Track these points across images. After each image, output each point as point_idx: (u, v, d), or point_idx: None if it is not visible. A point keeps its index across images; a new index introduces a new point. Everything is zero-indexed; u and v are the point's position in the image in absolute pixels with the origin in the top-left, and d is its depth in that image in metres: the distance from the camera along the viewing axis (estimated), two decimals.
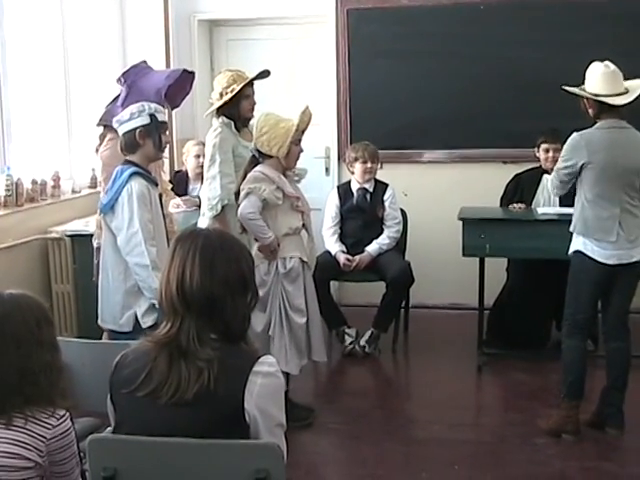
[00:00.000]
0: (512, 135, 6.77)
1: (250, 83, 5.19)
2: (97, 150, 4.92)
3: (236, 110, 5.15)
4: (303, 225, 4.83)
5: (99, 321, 4.30)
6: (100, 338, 4.63)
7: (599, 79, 4.46)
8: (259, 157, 4.71)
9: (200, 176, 6.53)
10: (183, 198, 6.33)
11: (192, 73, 5.15)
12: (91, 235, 5.48)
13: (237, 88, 5.08)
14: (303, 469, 4.30)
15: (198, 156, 6.46)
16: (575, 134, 4.51)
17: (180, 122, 7.07)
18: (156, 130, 4.13)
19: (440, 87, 6.93)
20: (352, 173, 6.33)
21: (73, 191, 6.14)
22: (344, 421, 4.96)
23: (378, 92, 7.01)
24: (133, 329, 4.05)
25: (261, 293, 4.62)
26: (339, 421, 4.97)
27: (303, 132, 4.74)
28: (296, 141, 4.67)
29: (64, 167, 6.12)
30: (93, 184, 6.37)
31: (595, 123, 4.52)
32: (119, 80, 4.83)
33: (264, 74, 5.28)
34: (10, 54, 5.43)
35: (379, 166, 6.28)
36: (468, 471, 4.32)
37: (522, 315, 5.90)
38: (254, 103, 5.25)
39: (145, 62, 5.05)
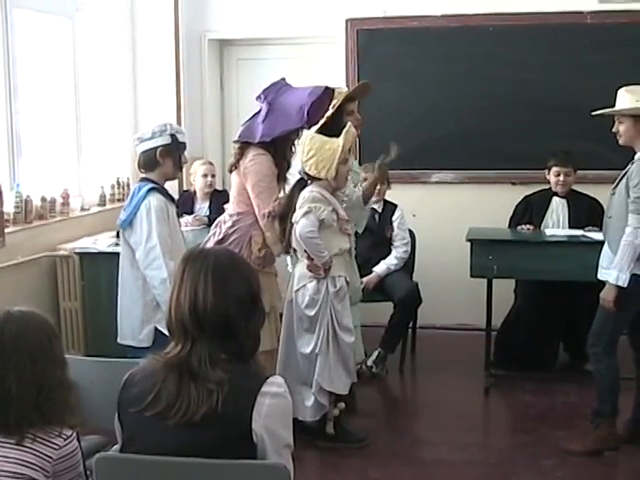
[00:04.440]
0: (521, 157, 6.77)
1: (352, 99, 5.04)
2: (235, 167, 4.69)
3: (341, 128, 4.84)
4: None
5: (118, 338, 4.30)
6: (110, 356, 4.63)
7: None
8: (307, 179, 4.65)
9: (208, 195, 6.55)
10: (193, 216, 6.34)
11: (333, 90, 4.86)
12: (100, 253, 5.53)
13: (337, 103, 4.90)
14: None
15: (205, 175, 6.48)
16: None
17: (189, 142, 7.06)
18: (177, 150, 4.17)
19: (449, 108, 6.93)
20: None
21: (82, 209, 6.15)
22: None
23: (387, 112, 7.00)
24: (153, 344, 4.05)
25: (311, 313, 4.59)
26: None
27: (349, 151, 4.69)
28: (344, 161, 4.59)
29: (73, 184, 6.12)
30: (102, 202, 6.38)
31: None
32: (259, 97, 4.71)
33: (365, 89, 5.12)
34: (20, 71, 5.45)
35: (388, 187, 6.28)
36: None
37: (530, 336, 5.88)
38: (359, 119, 5.07)
39: (284, 79, 4.91)
